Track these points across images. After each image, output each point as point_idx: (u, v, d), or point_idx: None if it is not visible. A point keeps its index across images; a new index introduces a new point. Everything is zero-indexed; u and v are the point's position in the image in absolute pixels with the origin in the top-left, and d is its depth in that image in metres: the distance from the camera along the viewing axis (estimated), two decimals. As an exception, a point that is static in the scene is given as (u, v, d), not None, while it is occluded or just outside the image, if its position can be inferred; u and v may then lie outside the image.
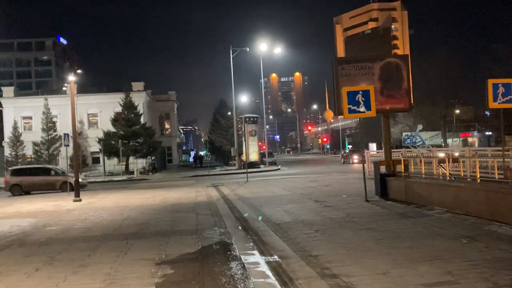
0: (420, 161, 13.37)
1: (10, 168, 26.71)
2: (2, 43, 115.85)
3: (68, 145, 21.21)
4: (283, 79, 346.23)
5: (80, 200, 16.54)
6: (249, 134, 38.81)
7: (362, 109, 12.11)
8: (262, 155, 43.90)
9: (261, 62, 40.39)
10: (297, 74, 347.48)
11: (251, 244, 7.51)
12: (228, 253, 6.98)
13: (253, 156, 38.89)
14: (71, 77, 16.71)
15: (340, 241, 7.33)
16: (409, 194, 11.38)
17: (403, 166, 12.51)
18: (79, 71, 16.72)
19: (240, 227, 9.24)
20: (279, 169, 37.29)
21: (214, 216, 10.90)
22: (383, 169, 13.46)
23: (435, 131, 65.02)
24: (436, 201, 10.16)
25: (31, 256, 7.43)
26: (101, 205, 14.88)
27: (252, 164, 38.25)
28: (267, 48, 40.12)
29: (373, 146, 75.10)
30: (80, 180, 17.97)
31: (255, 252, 6.90)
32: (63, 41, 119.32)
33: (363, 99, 12.11)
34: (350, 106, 12.09)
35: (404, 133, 66.66)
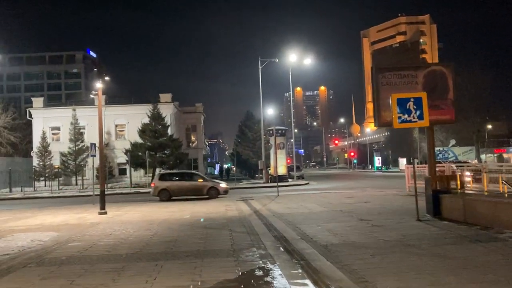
0: (478, 176, 12.09)
1: (158, 173, 27.10)
2: (34, 56, 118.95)
3: (94, 155, 20.59)
4: (307, 93, 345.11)
5: (106, 213, 15.79)
6: (278, 146, 37.80)
7: (413, 118, 10.97)
8: (289, 168, 42.72)
9: (290, 73, 39.48)
10: (322, 88, 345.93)
11: (300, 270, 6.45)
12: (275, 282, 5.94)
13: (281, 170, 37.75)
14: (99, 84, 16.10)
15: (407, 270, 6.20)
16: (468, 213, 10.12)
17: (459, 182, 11.26)
18: (107, 78, 16.17)
19: (281, 249, 8.18)
20: (308, 183, 36.04)
21: (250, 235, 9.88)
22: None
23: (468, 147, 62.58)
24: (504, 223, 8.88)
25: (49, 278, 6.55)
26: (127, 219, 14.06)
27: (280, 178, 37.08)
28: (296, 59, 39.18)
29: (403, 161, 73.20)
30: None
31: (307, 282, 5.83)
32: (92, 54, 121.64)
33: (415, 107, 10.98)
34: (401, 115, 10.98)
35: (436, 148, 64.63)
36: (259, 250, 8.06)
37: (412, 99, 11.05)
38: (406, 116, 10.99)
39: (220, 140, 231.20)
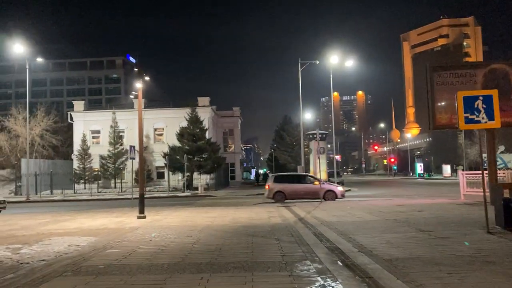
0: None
1: (272, 175, 26.93)
2: (76, 61, 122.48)
3: (134, 158, 20.28)
4: (345, 98, 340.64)
5: (145, 217, 15.28)
6: (318, 151, 36.71)
7: (483, 118, 9.83)
8: (329, 174, 41.49)
9: (331, 75, 38.32)
10: (360, 92, 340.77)
11: (368, 291, 5.54)
12: (342, 304, 5.05)
13: (322, 175, 36.63)
14: (139, 84, 15.68)
15: (500, 295, 5.18)
16: (550, 227, 8.89)
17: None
18: (147, 78, 15.80)
19: (339, 263, 7.27)
20: (349, 190, 34.72)
21: (300, 245, 9.00)
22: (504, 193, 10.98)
23: (516, 153, 59.34)
24: None
25: (85, 290, 5.90)
26: (166, 224, 13.46)
27: (320, 184, 36.05)
28: (337, 61, 38.01)
29: (447, 168, 70.37)
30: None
31: (382, 306, 4.92)
32: (132, 59, 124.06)
33: (484, 106, 9.82)
34: (468, 115, 9.85)
35: (484, 155, 61.62)
36: (314, 264, 7.18)
37: (481, 97, 9.89)
38: (474, 116, 9.85)
39: (255, 145, 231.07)
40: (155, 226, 13.03)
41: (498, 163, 58.48)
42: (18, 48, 30.90)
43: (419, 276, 6.16)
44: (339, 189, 22.51)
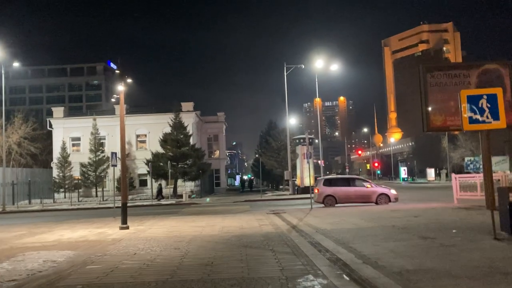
0: None
1: (320, 178, 25.77)
2: (56, 68, 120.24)
3: (115, 165, 19.35)
4: (327, 103, 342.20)
5: (128, 228, 14.42)
6: (304, 156, 36.15)
7: (487, 118, 9.31)
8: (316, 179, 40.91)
9: (316, 80, 37.95)
10: (342, 98, 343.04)
11: (386, 311, 4.87)
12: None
13: (308, 181, 36.06)
14: (121, 87, 14.85)
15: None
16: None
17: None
18: (129, 80, 14.94)
19: (345, 277, 6.60)
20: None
21: (298, 256, 8.31)
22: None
23: (500, 156, 59.81)
24: None
25: (60, 318, 5.11)
26: (151, 235, 12.64)
27: (307, 189, 35.43)
28: (322, 66, 37.61)
29: (431, 172, 70.64)
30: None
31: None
32: (113, 66, 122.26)
33: (488, 105, 9.32)
34: (472, 114, 9.32)
35: (466, 158, 61.79)
36: (318, 279, 6.50)
37: (485, 96, 9.38)
38: (478, 116, 9.34)
39: (240, 151, 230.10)
40: (139, 237, 12.21)
41: (481, 167, 58.57)
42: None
43: (438, 292, 5.54)
44: (393, 192, 21.17)
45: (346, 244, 9.55)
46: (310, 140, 37.27)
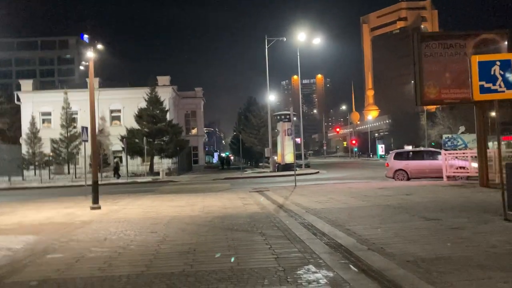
0: None
1: (392, 151, 24.16)
2: (26, 41, 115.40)
3: (86, 140, 17.99)
4: (304, 81, 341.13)
5: (99, 208, 13.22)
6: (285, 133, 35.29)
7: (500, 87, 8.40)
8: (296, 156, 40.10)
9: (298, 53, 36.75)
10: (319, 76, 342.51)
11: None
12: None
13: (289, 158, 35.23)
14: (90, 53, 13.43)
15: None
16: None
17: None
18: (99, 46, 13.51)
19: (352, 267, 5.63)
20: (317, 172, 33.58)
21: (292, 241, 7.33)
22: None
23: (475, 134, 60.13)
24: None
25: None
26: (125, 216, 11.49)
27: (288, 167, 34.66)
28: (304, 39, 36.39)
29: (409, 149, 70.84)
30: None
31: None
32: (85, 39, 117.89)
33: (501, 72, 8.40)
34: (483, 83, 8.39)
35: (444, 135, 61.82)
36: (321, 270, 5.51)
37: (498, 62, 8.44)
38: (490, 84, 8.41)
39: (217, 129, 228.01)
40: (111, 219, 11.05)
41: (458, 144, 58.86)
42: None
43: (464, 284, 4.62)
44: (474, 165, 17.41)
45: (343, 226, 8.63)
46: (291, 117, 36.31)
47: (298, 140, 45.30)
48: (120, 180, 32.19)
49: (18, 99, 42.90)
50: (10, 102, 46.93)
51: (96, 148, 14.47)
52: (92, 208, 13.12)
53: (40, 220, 11.34)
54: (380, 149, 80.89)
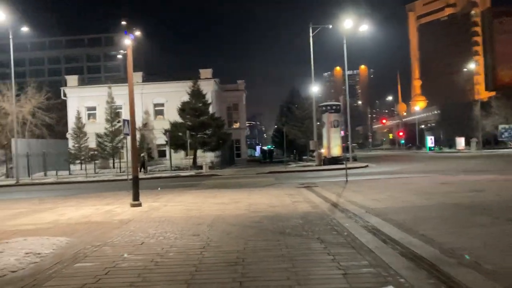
0: None
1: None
2: (74, 39, 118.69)
3: (128, 134, 17.31)
4: (347, 72, 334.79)
5: (140, 205, 12.47)
6: (331, 124, 33.81)
7: None
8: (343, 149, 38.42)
9: (345, 41, 35.02)
10: (363, 67, 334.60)
11: None
12: None
13: (336, 151, 33.81)
14: (128, 41, 12.68)
15: None
16: None
17: None
18: (137, 33, 12.73)
19: (446, 290, 4.40)
20: (367, 166, 31.88)
21: (359, 251, 6.14)
22: None
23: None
24: None
25: None
26: (166, 214, 10.64)
27: (335, 160, 33.24)
28: (351, 25, 34.59)
29: (461, 141, 67.20)
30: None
31: None
32: (131, 36, 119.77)
33: None
34: None
35: (501, 126, 58.32)
36: (406, 294, 4.32)
37: None
38: None
39: (259, 122, 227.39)
40: (151, 218, 10.22)
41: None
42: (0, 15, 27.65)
43: None
44: None
45: (414, 230, 7.35)
46: (337, 107, 34.77)
47: (342, 132, 43.60)
48: (163, 174, 31.81)
49: (65, 95, 43.54)
50: (58, 98, 47.81)
51: (135, 141, 13.74)
52: (132, 205, 12.39)
53: (77, 218, 10.68)
54: (429, 141, 77.30)
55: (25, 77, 78.77)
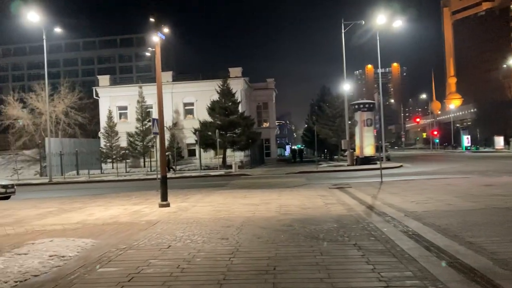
0: None
1: None
2: (106, 40, 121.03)
3: (157, 133, 17.18)
4: (379, 70, 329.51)
5: (168, 205, 12.23)
6: (363, 123, 32.94)
7: None
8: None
9: (378, 37, 34.12)
10: (395, 64, 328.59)
11: None
12: None
13: (369, 150, 32.92)
14: (155, 37, 12.46)
15: None
16: None
17: None
18: (166, 30, 12.45)
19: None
20: (401, 166, 30.90)
21: (400, 260, 5.61)
22: None
23: None
24: None
25: None
26: (194, 216, 10.33)
27: (367, 160, 32.38)
28: (384, 21, 33.63)
29: (499, 140, 64.73)
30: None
31: None
32: (162, 35, 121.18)
33: None
34: None
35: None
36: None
37: None
38: None
39: (288, 122, 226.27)
40: (179, 219, 9.92)
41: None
42: (33, 16, 28.14)
43: None
44: None
45: (460, 237, 6.75)
46: (371, 106, 33.83)
47: (374, 131, 42.54)
48: (193, 174, 31.73)
49: (97, 94, 44.17)
50: (91, 98, 48.66)
51: (163, 140, 13.52)
52: (161, 206, 12.16)
53: (104, 219, 10.50)
54: (466, 140, 74.79)
55: (59, 78, 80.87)
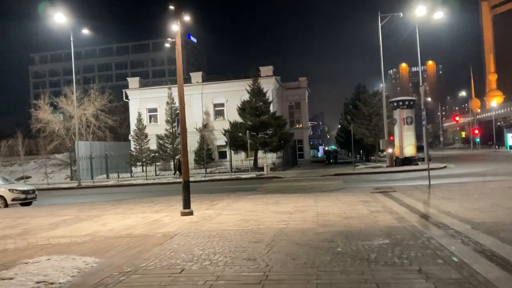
0: None
1: None
2: (139, 44, 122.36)
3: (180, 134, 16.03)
4: (413, 69, 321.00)
5: (191, 213, 10.96)
6: (403, 122, 30.91)
7: None
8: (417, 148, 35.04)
9: (417, 30, 32.01)
10: (430, 62, 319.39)
11: None
12: None
13: (409, 150, 30.85)
14: (175, 26, 11.20)
15: None
16: None
17: None
18: (187, 18, 11.18)
19: None
20: (445, 167, 28.72)
21: (491, 297, 4.07)
22: None
23: None
24: None
25: None
26: (219, 227, 8.99)
27: (408, 160, 30.37)
28: (424, 13, 31.50)
29: (549, 139, 60.70)
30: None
31: None
32: (193, 39, 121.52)
33: None
34: None
35: None
36: None
37: None
38: None
39: (320, 122, 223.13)
40: (201, 231, 8.60)
41: None
42: (60, 17, 27.69)
43: None
44: None
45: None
46: (411, 103, 31.80)
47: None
48: (223, 176, 30.54)
49: (127, 97, 43.71)
50: (121, 101, 48.41)
51: (185, 139, 12.26)
52: (183, 214, 10.91)
53: (118, 230, 9.30)
54: (510, 139, 70.79)
55: (94, 83, 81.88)
